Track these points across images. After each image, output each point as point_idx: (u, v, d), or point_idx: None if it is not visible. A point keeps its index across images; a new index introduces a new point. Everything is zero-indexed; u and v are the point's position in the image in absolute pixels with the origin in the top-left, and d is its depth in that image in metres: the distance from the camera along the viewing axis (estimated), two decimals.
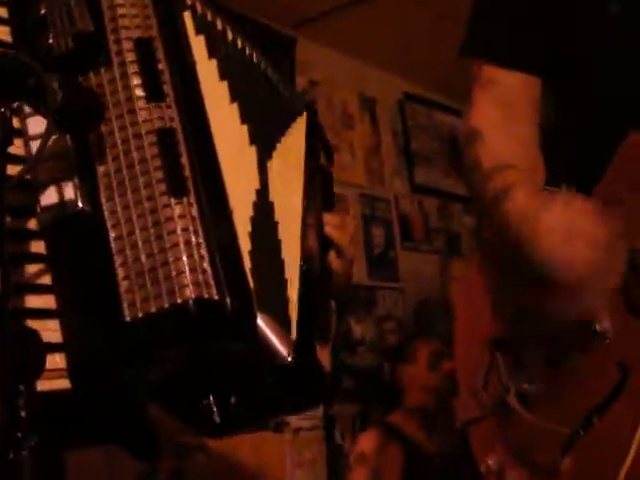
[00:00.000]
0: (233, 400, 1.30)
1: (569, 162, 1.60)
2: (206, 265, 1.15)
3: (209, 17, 1.40)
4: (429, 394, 3.84)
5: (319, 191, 1.54)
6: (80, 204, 1.17)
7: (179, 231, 1.16)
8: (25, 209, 1.18)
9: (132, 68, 1.22)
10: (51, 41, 1.21)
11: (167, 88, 1.23)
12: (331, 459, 4.17)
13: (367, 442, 3.81)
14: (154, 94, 1.22)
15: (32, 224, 1.18)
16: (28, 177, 1.17)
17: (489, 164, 1.54)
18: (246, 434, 3.75)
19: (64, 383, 1.15)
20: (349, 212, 4.27)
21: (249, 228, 1.28)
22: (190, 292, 1.13)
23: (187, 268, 1.14)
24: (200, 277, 1.14)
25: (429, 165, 5.31)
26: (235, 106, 1.37)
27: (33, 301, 1.16)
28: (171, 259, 1.14)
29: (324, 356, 1.41)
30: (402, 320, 4.79)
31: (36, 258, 1.17)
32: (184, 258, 1.14)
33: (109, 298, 1.15)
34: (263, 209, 1.34)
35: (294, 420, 4.04)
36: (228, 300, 1.16)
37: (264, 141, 1.41)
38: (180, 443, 3.37)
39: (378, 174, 5.03)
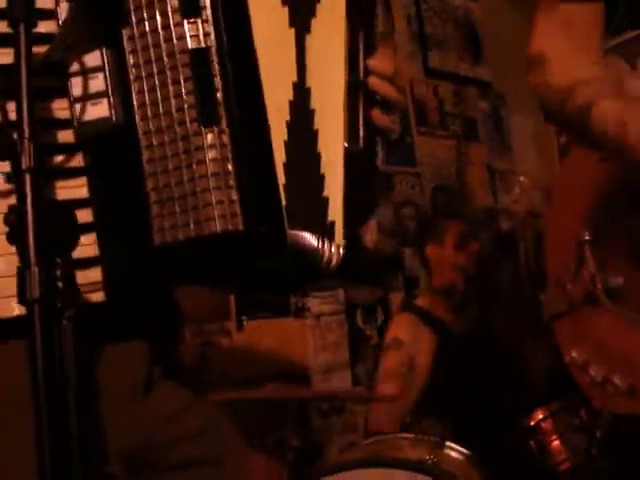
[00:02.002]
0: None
1: None
2: (234, 195, 1.16)
3: None
4: (457, 273, 3.88)
5: (361, 32, 1.42)
6: (115, 120, 1.19)
7: (208, 161, 1.16)
8: (64, 123, 1.21)
9: None
10: None
11: (205, 2, 1.18)
12: (353, 342, 4.27)
13: (400, 327, 3.86)
14: (190, 8, 1.18)
15: (70, 137, 1.21)
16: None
17: (564, 82, 1.57)
18: (269, 320, 3.85)
19: (99, 296, 1.20)
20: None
21: (285, 136, 1.26)
22: (216, 225, 1.16)
23: (214, 200, 1.15)
24: (227, 209, 1.15)
25: (443, 49, 5.27)
26: None
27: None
28: (199, 189, 1.16)
29: (372, 229, 1.42)
30: (420, 205, 4.82)
31: (73, 172, 1.21)
32: (212, 190, 1.16)
33: (141, 219, 1.18)
34: (300, 105, 1.30)
35: (315, 306, 4.12)
36: (255, 229, 1.17)
37: (302, 9, 1.33)
38: (205, 329, 3.47)
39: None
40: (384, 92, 1.42)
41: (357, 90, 1.39)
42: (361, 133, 1.38)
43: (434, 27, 5.26)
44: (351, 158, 1.36)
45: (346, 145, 1.36)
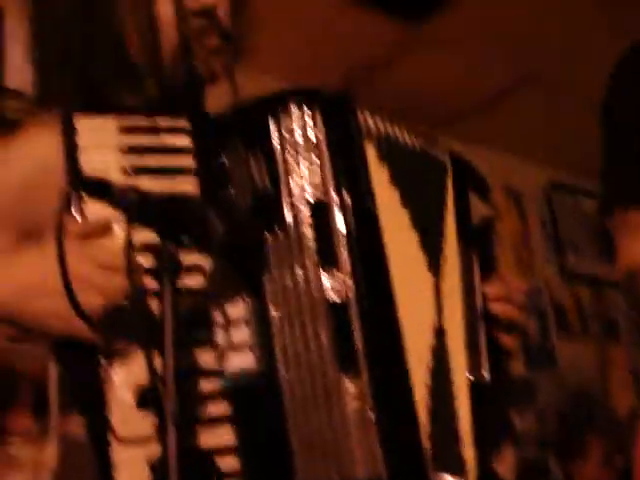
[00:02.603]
0: None
1: None
2: (376, 446, 1.17)
3: (383, 130, 1.34)
4: None
5: (476, 260, 1.44)
6: (259, 370, 1.21)
7: (350, 410, 1.18)
8: (209, 372, 1.23)
9: (307, 233, 1.22)
10: (232, 196, 1.24)
11: (343, 254, 1.21)
12: None
13: None
14: (329, 261, 1.22)
15: (216, 386, 1.23)
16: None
17: None
18: None
19: None
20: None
21: (427, 379, 1.27)
22: (359, 473, 1.16)
23: (356, 448, 1.17)
24: (369, 458, 1.17)
25: (579, 252, 5.25)
26: (413, 234, 1.34)
27: (220, 461, 1.21)
28: (341, 436, 1.17)
29: (507, 460, 1.40)
30: (562, 411, 4.71)
31: (218, 420, 1.22)
32: (353, 437, 1.17)
33: (284, 466, 1.20)
34: (439, 347, 1.32)
35: None
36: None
37: (435, 253, 1.36)
38: None
39: (528, 264, 5.01)
40: (505, 314, 1.43)
41: (476, 319, 1.41)
42: (485, 362, 1.39)
43: (568, 229, 5.27)
44: (476, 390, 1.36)
45: (471, 377, 1.36)
